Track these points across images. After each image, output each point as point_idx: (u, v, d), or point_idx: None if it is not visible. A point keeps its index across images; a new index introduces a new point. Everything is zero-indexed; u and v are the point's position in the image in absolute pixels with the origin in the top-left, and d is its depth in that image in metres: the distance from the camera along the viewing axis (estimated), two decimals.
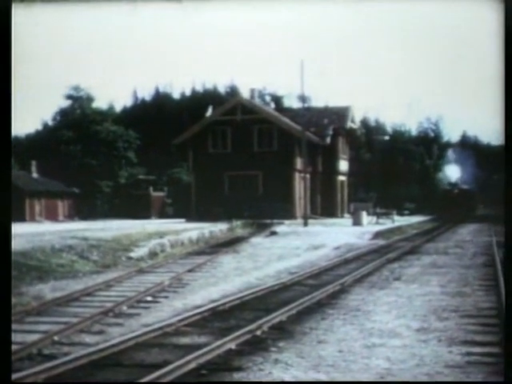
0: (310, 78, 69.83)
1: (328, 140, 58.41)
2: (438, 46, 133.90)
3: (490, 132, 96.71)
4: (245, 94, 59.91)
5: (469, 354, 9.85)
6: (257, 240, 33.76)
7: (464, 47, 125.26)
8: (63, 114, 71.24)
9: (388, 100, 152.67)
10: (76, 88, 70.82)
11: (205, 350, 9.61)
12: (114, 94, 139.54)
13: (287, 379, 8.67)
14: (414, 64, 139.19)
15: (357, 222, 44.52)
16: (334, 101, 70.59)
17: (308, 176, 51.61)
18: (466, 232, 44.97)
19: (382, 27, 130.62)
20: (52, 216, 58.29)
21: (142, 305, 14.64)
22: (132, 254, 25.43)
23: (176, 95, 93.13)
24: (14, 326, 10.02)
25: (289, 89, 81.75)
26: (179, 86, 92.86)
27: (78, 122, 68.21)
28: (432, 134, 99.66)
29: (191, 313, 12.78)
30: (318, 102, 68.52)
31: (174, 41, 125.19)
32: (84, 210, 62.15)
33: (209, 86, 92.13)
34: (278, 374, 8.86)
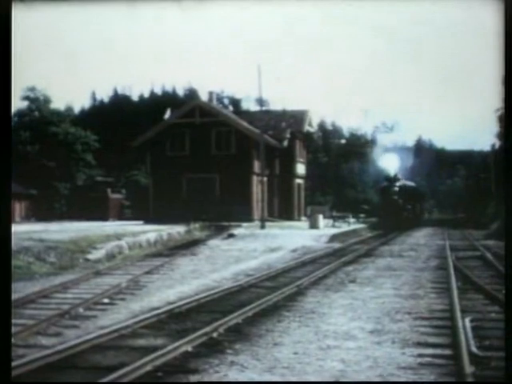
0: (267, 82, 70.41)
1: (285, 143, 58.69)
2: (437, 46, 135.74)
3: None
4: (203, 96, 59.97)
5: (421, 355, 10.01)
6: (214, 242, 33.83)
7: (462, 47, 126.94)
8: (20, 114, 70.57)
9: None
10: (32, 89, 70.25)
11: (161, 352, 9.67)
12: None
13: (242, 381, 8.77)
14: (410, 65, 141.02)
15: (313, 225, 44.81)
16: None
17: (265, 179, 51.79)
18: (421, 235, 45.46)
19: (378, 28, 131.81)
20: None
21: (99, 307, 14.64)
22: (89, 256, 25.36)
23: (135, 97, 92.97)
24: None
25: (247, 92, 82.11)
26: (138, 89, 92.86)
27: (36, 122, 67.66)
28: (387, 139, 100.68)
29: (148, 315, 12.82)
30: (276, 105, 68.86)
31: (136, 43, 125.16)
32: (41, 212, 61.61)
33: (168, 88, 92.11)
34: (233, 375, 8.94)
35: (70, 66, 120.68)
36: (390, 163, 62.67)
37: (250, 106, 76.56)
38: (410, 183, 63.46)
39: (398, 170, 61.93)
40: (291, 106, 62.91)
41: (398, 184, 58.22)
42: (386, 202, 56.39)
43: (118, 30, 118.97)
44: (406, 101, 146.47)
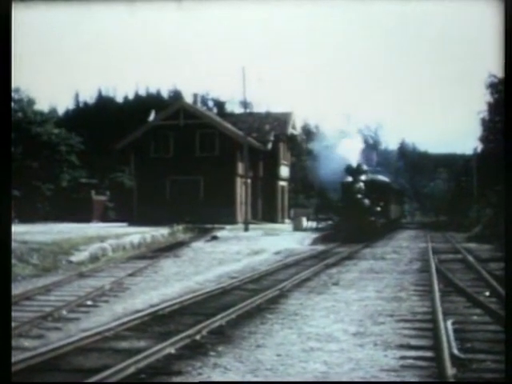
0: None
1: (269, 146, 58.77)
2: (436, 46, 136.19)
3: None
4: (188, 98, 59.96)
5: (403, 357, 10.07)
6: (198, 245, 33.80)
7: (462, 47, 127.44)
8: None
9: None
10: (16, 90, 69.95)
11: (144, 354, 9.67)
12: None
13: None
14: (409, 65, 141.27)
15: (297, 228, 44.80)
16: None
17: (249, 181, 51.78)
18: (403, 238, 45.55)
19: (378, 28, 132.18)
20: None
21: (82, 309, 14.62)
22: (72, 258, 25.26)
23: (119, 99, 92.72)
24: None
25: (231, 94, 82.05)
26: (122, 90, 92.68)
27: (19, 123, 67.33)
28: (371, 141, 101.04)
29: (131, 317, 12.82)
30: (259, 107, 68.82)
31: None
32: (24, 213, 61.32)
33: (152, 90, 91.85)
34: (216, 378, 8.97)
35: (66, 66, 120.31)
36: (350, 150, 46.22)
37: (235, 108, 76.43)
38: (381, 177, 49.76)
39: (363, 158, 48.18)
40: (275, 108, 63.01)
41: (363, 178, 42.58)
42: (345, 203, 41.39)
43: (116, 30, 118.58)
44: (391, 104, 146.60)
